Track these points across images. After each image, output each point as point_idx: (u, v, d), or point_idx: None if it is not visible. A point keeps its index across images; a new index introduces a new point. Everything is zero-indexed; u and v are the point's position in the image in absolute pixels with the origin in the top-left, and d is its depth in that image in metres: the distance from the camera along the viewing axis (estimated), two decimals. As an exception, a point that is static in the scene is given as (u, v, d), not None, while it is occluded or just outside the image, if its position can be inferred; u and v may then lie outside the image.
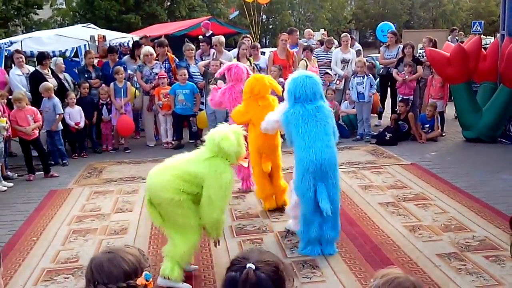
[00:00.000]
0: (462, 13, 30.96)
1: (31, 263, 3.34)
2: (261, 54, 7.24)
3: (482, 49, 6.60)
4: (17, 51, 6.57)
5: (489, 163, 5.47)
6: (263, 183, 4.10)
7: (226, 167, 2.80)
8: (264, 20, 27.37)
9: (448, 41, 8.97)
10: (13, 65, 6.68)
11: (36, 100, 6.04)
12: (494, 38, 13.37)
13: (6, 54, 8.00)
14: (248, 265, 1.03)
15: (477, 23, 13.82)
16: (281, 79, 6.56)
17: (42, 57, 6.32)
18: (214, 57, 6.80)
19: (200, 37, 8.62)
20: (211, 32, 9.16)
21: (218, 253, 3.35)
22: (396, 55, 7.25)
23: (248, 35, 7.91)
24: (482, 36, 12.60)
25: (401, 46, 7.29)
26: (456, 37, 10.46)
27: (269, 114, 3.65)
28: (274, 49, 7.91)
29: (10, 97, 5.88)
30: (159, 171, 2.85)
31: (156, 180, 2.78)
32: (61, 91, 6.27)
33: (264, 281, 1.03)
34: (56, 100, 5.95)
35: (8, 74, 6.70)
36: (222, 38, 7.08)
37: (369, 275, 3.00)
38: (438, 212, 4.01)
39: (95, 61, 7.18)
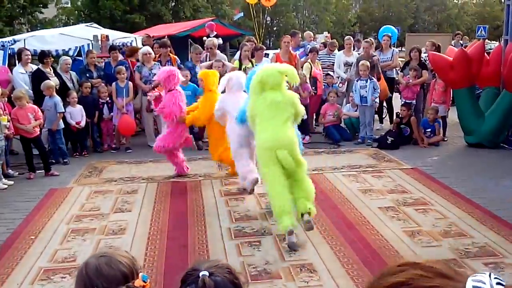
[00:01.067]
0: (467, 17, 30.89)
1: (29, 262, 3.34)
2: (265, 56, 7.23)
3: (486, 54, 6.57)
4: (25, 49, 6.60)
5: (490, 168, 5.44)
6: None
7: None
8: (268, 22, 27.41)
9: (452, 45, 8.94)
10: (17, 63, 6.72)
11: (38, 98, 6.06)
12: (499, 43, 13.32)
13: (9, 52, 8.05)
14: (202, 273, 1.01)
15: (482, 28, 13.78)
16: None
17: (42, 56, 6.34)
18: (208, 59, 6.82)
19: (205, 38, 8.64)
20: (215, 33, 9.17)
21: (215, 255, 3.33)
22: (391, 58, 7.26)
23: (252, 38, 7.91)
24: (486, 40, 12.56)
25: (395, 49, 7.32)
26: (460, 42, 10.43)
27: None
28: (278, 50, 7.91)
29: (11, 95, 5.90)
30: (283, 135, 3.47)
31: (289, 138, 3.47)
32: (63, 90, 6.29)
33: (222, 284, 1.01)
34: (58, 98, 5.96)
35: (12, 72, 6.73)
36: (216, 41, 7.09)
37: (367, 280, 2.97)
38: (438, 218, 3.98)
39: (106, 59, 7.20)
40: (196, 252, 3.41)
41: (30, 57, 6.42)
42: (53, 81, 6.11)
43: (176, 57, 7.24)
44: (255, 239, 3.60)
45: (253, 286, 2.92)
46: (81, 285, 1.17)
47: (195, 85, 6.57)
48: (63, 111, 5.99)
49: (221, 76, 6.38)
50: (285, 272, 3.10)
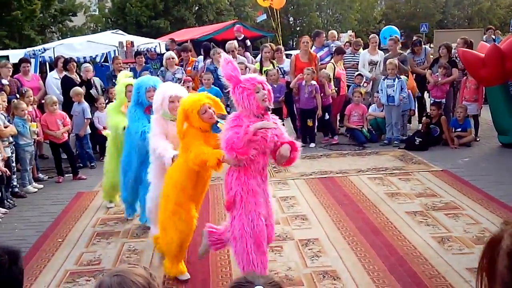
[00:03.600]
0: (500, 10, 29.52)
1: (55, 265, 3.43)
2: (286, 57, 7.16)
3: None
4: (62, 56, 6.92)
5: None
6: None
7: None
8: (291, 22, 27.25)
9: (483, 41, 8.54)
10: (48, 70, 7.01)
11: (67, 104, 6.26)
12: (535, 36, 12.61)
13: (40, 60, 8.38)
14: (257, 287, 0.99)
15: (516, 21, 13.10)
16: (313, 82, 6.47)
17: (65, 63, 6.58)
18: None
19: (235, 41, 8.70)
20: (243, 36, 9.19)
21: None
22: (424, 58, 7.01)
23: (267, 44, 7.84)
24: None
25: (427, 48, 7.06)
26: (493, 36, 9.94)
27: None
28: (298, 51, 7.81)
29: (42, 102, 6.13)
30: None
31: None
32: (88, 97, 6.46)
33: None
34: (86, 105, 6.13)
35: (43, 80, 7.00)
36: (236, 44, 7.08)
37: (393, 289, 2.85)
38: (470, 223, 3.78)
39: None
40: (218, 256, 3.39)
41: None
42: (80, 88, 6.30)
43: (194, 59, 7.30)
44: (277, 244, 3.53)
45: (274, 293, 2.86)
46: None
47: (218, 89, 6.58)
48: (90, 117, 6.15)
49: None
50: (307, 278, 3.03)
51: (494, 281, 0.56)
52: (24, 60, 6.88)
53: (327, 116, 6.68)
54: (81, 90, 6.16)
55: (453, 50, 7.31)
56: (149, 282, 1.19)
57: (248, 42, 8.94)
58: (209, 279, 3.12)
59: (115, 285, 1.15)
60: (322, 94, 6.55)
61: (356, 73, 7.11)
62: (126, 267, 1.24)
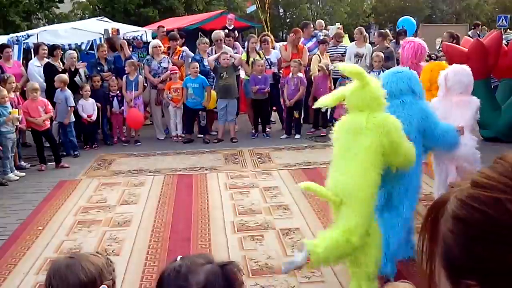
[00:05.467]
0: (487, 6, 29.85)
1: (35, 253, 3.40)
2: (272, 48, 7.14)
3: (504, 45, 6.33)
4: (42, 43, 6.74)
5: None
6: None
7: None
8: (281, 14, 27.12)
9: (469, 36, 8.65)
10: (33, 56, 6.85)
11: (49, 91, 6.16)
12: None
13: (24, 47, 8.18)
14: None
15: (503, 17, 13.29)
16: (300, 74, 6.48)
17: (52, 49, 6.45)
18: (213, 53, 6.79)
19: (226, 31, 8.63)
20: (232, 26, 9.14)
21: (217, 249, 3.33)
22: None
23: (267, 34, 7.80)
24: (508, 30, 12.10)
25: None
26: (478, 32, 10.08)
27: None
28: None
29: (24, 88, 6.01)
30: None
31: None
32: (71, 84, 6.36)
33: None
34: (69, 92, 6.04)
35: (26, 66, 6.86)
36: (222, 34, 7.03)
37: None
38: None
39: None
40: (199, 246, 3.41)
41: (47, 51, 6.56)
42: (64, 75, 6.20)
43: (182, 48, 7.23)
44: (258, 233, 3.57)
45: (253, 280, 2.90)
46: (46, 278, 1.17)
47: (204, 78, 6.55)
48: (74, 105, 6.06)
49: (227, 67, 6.40)
50: (287, 267, 3.07)
51: (435, 242, 0.56)
52: (5, 46, 6.72)
53: (324, 109, 6.68)
54: (66, 77, 6.06)
55: (438, 45, 7.38)
56: (101, 272, 1.17)
57: (236, 33, 8.90)
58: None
59: (63, 267, 1.15)
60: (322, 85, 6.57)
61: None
62: (86, 253, 1.25)
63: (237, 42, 7.21)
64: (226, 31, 8.48)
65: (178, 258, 1.01)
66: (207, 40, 7.14)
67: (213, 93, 6.64)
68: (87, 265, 1.15)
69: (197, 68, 6.46)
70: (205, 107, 6.58)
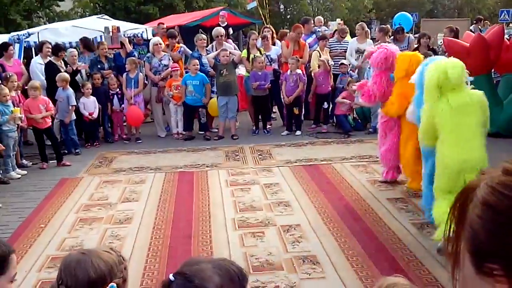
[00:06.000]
0: (489, 1, 29.63)
1: (37, 250, 3.42)
2: (272, 45, 7.12)
3: (506, 39, 6.29)
4: (47, 41, 6.72)
5: (509, 159, 5.23)
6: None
7: None
8: (281, 10, 26.99)
9: (471, 30, 8.60)
10: (34, 55, 6.86)
11: (50, 89, 6.17)
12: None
13: (25, 45, 8.18)
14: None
15: (505, 12, 13.19)
16: (299, 71, 6.47)
17: (58, 49, 6.44)
18: (213, 50, 6.77)
19: (222, 28, 8.60)
20: (226, 23, 9.10)
21: (218, 246, 3.33)
22: (407, 46, 7.02)
23: (268, 26, 7.77)
24: (511, 25, 11.99)
25: (411, 36, 7.05)
26: (480, 27, 10.01)
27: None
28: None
29: (26, 87, 6.02)
30: None
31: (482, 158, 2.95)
32: (72, 82, 6.37)
33: None
34: (70, 91, 6.04)
35: (26, 65, 6.87)
36: (222, 30, 7.00)
37: (371, 273, 2.92)
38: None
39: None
40: (200, 242, 3.42)
41: (50, 50, 6.55)
42: (66, 74, 6.20)
43: (180, 45, 7.22)
44: (259, 230, 3.58)
45: (254, 277, 2.90)
46: (58, 272, 1.17)
47: (203, 75, 6.54)
48: (75, 104, 6.06)
49: (227, 64, 6.38)
50: (288, 263, 3.08)
51: (462, 226, 0.56)
52: (9, 44, 6.72)
53: (325, 105, 6.68)
54: (67, 76, 6.07)
55: (438, 39, 7.34)
56: (112, 270, 1.16)
57: (231, 31, 8.84)
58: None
59: (73, 262, 1.14)
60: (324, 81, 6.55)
61: (340, 62, 7.10)
62: (98, 249, 1.24)
63: (229, 40, 7.17)
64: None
65: (171, 276, 1.00)
66: (204, 37, 7.12)
67: (214, 100, 6.64)
68: (98, 262, 1.15)
69: (197, 65, 6.45)
70: (205, 104, 6.58)
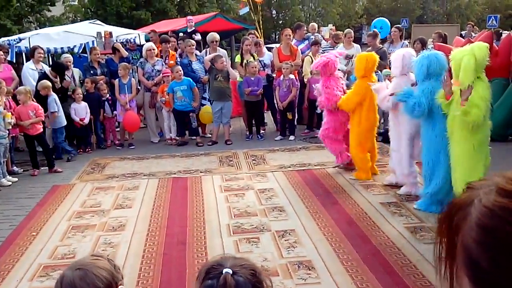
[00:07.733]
0: (477, 7, 30.17)
1: (29, 258, 3.37)
2: (267, 50, 7.16)
3: (494, 44, 6.39)
4: (39, 47, 6.62)
5: (499, 162, 5.27)
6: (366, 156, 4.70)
7: None
8: (274, 16, 27.16)
9: (461, 35, 8.74)
10: (25, 60, 6.76)
11: (42, 98, 6.09)
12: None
13: (16, 50, 8.11)
14: (225, 270, 0.99)
15: (493, 17, 13.40)
16: (292, 76, 6.49)
17: (60, 69, 6.26)
18: (207, 55, 6.77)
19: (181, 34, 8.65)
20: (193, 28, 9.19)
21: (213, 252, 3.31)
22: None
23: (252, 31, 7.85)
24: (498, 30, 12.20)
25: (405, 42, 7.13)
26: (472, 32, 10.19)
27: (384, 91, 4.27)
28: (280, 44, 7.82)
29: (15, 93, 5.94)
30: None
31: None
32: (63, 89, 6.30)
33: (243, 285, 0.98)
34: (52, 97, 5.88)
35: (17, 70, 6.79)
36: (217, 36, 6.99)
37: (366, 278, 2.93)
38: (441, 213, 3.89)
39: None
40: (194, 249, 3.40)
41: (42, 55, 6.47)
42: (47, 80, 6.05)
43: (175, 53, 7.21)
44: (254, 235, 3.57)
45: (250, 283, 2.89)
46: None
47: (190, 79, 6.51)
48: (56, 110, 5.88)
49: (221, 70, 6.38)
50: (283, 269, 3.07)
51: (454, 246, 0.52)
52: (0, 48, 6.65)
53: (318, 110, 6.70)
54: (48, 83, 5.93)
55: (430, 45, 7.44)
56: (113, 274, 1.17)
57: (198, 36, 8.83)
58: (184, 273, 3.13)
59: (77, 280, 1.12)
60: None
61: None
62: (89, 260, 1.22)
63: (197, 51, 7.16)
64: (181, 34, 8.45)
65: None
66: (193, 42, 7.10)
67: (208, 107, 6.63)
68: (99, 272, 1.14)
69: (181, 71, 6.40)
70: (194, 108, 6.54)
